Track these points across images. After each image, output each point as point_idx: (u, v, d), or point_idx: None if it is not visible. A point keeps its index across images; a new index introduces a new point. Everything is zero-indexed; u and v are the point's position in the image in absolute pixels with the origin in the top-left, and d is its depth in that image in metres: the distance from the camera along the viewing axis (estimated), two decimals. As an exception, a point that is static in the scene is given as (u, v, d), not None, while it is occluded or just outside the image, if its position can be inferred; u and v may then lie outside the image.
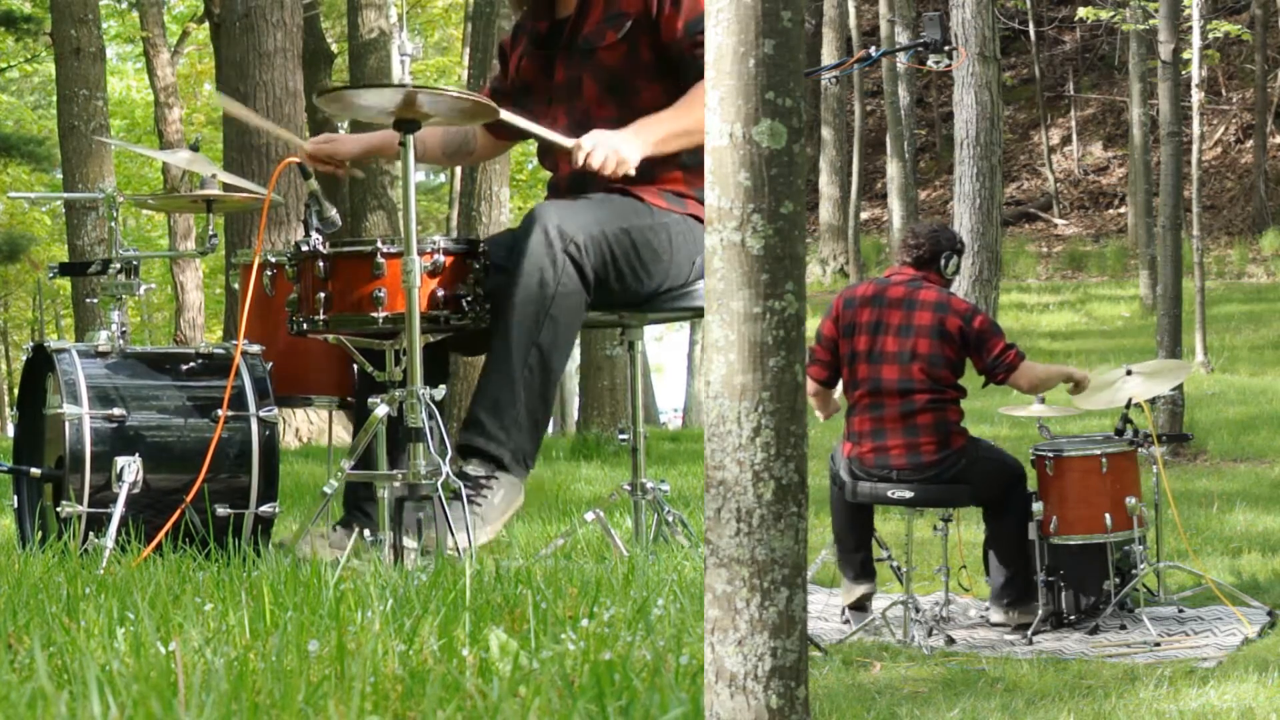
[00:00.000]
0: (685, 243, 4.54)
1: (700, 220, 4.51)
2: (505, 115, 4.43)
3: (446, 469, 4.12)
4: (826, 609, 5.78)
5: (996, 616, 5.61)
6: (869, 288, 5.72)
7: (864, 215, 23.44)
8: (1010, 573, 5.59)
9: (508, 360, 4.35)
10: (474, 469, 4.32)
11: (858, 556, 5.69)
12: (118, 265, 4.65)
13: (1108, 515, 5.56)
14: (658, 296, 4.58)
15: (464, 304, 4.32)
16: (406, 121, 4.18)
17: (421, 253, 4.23)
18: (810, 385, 5.71)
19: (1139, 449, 5.75)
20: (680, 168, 4.57)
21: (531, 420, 4.38)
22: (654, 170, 4.56)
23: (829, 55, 21.71)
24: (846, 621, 5.65)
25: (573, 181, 4.63)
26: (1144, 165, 20.19)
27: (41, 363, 4.59)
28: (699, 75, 4.34)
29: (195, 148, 4.84)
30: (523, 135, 4.99)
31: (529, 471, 4.43)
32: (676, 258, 4.54)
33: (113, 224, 4.72)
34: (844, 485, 5.66)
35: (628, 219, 4.48)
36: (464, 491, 4.12)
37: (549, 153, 4.76)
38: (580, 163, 4.38)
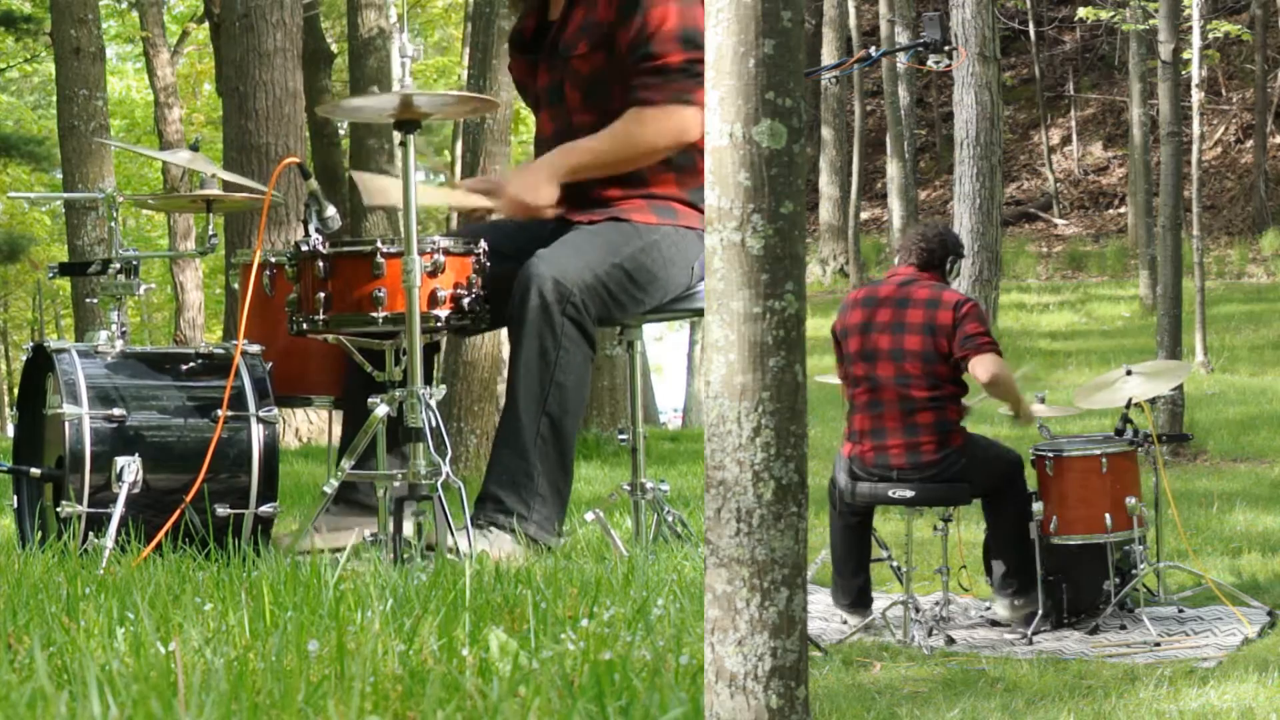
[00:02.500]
0: (680, 253, 4.54)
1: (693, 229, 4.51)
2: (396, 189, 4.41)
3: (446, 469, 4.12)
4: (826, 609, 5.78)
5: (1001, 610, 5.59)
6: (862, 291, 5.80)
7: (864, 215, 23.44)
8: (1013, 564, 5.58)
9: (519, 434, 4.35)
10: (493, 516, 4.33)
11: (855, 582, 5.65)
12: (118, 265, 4.65)
13: (1108, 515, 5.56)
14: (659, 306, 4.60)
15: (464, 304, 4.32)
16: (407, 122, 4.19)
17: (421, 253, 4.23)
18: (843, 388, 5.77)
19: (1139, 449, 5.75)
20: (673, 169, 4.56)
21: (554, 489, 4.39)
22: (645, 173, 4.56)
23: (829, 55, 21.70)
24: (846, 622, 5.65)
25: (569, 183, 4.63)
26: (1144, 165, 20.18)
27: (41, 363, 4.59)
28: (636, 100, 4.38)
29: (195, 148, 4.84)
30: None
31: (559, 536, 4.43)
32: (672, 270, 4.54)
33: (113, 224, 4.72)
34: (842, 508, 5.65)
35: (618, 250, 4.48)
36: (472, 519, 4.12)
37: (544, 145, 4.75)
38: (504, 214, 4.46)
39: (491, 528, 4.30)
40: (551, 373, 4.34)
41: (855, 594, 5.65)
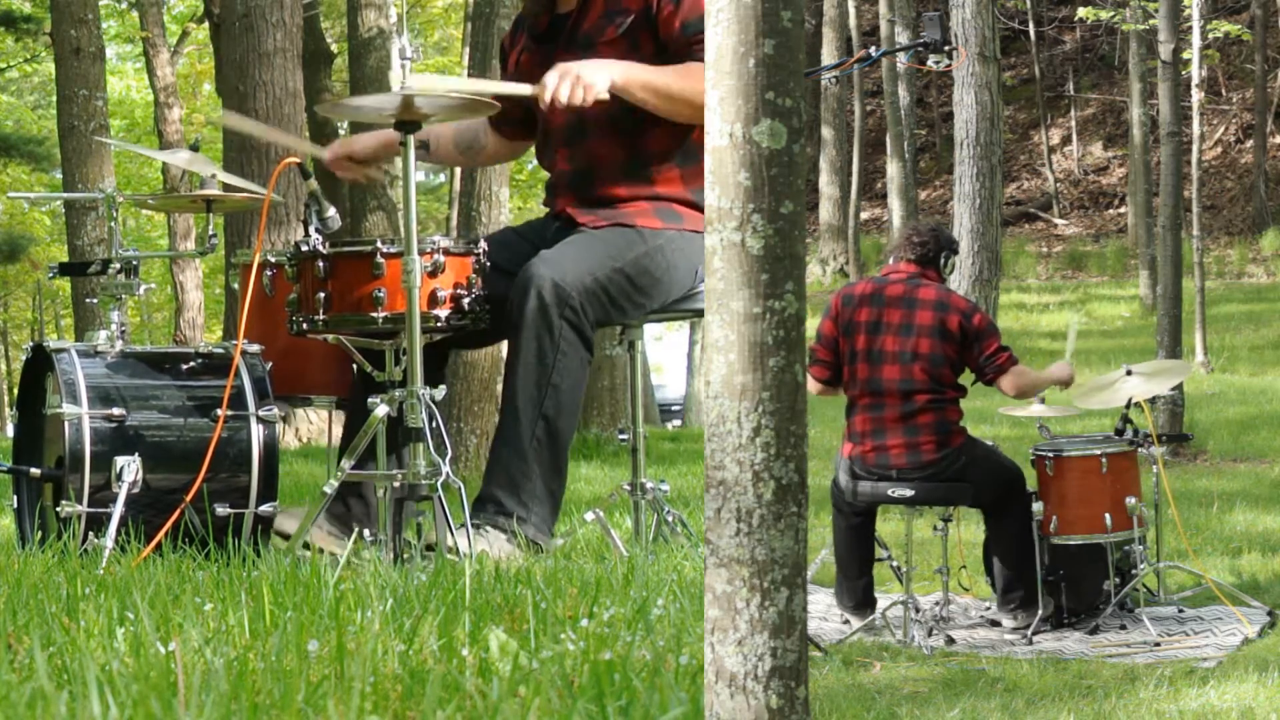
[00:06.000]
0: (684, 257, 4.54)
1: (697, 232, 4.50)
2: (439, 84, 4.37)
3: (446, 469, 4.12)
4: (826, 609, 5.78)
5: (1005, 621, 5.59)
6: (867, 286, 5.71)
7: (864, 215, 23.45)
8: (1016, 577, 5.57)
9: (517, 436, 4.36)
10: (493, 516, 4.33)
11: (860, 583, 5.65)
12: (117, 265, 4.65)
13: (1108, 515, 5.56)
14: (661, 307, 4.60)
15: (464, 304, 4.32)
16: (407, 123, 4.19)
17: (421, 253, 4.23)
18: (814, 386, 5.70)
19: (1139, 449, 5.75)
20: (678, 167, 4.56)
21: (548, 491, 4.39)
22: (650, 170, 4.56)
23: (829, 55, 21.71)
24: (846, 621, 5.65)
25: (575, 177, 4.62)
26: (1144, 165, 20.20)
27: (41, 363, 4.59)
28: (697, 59, 4.34)
29: (195, 148, 4.84)
30: (532, 134, 4.96)
31: (552, 538, 4.44)
32: (675, 274, 4.54)
33: (113, 224, 4.72)
34: (845, 508, 5.64)
35: (621, 255, 4.47)
36: (470, 520, 4.12)
37: (547, 151, 4.75)
38: (547, 102, 4.36)
39: (490, 530, 4.30)
40: (549, 375, 4.34)
41: (860, 595, 5.65)
